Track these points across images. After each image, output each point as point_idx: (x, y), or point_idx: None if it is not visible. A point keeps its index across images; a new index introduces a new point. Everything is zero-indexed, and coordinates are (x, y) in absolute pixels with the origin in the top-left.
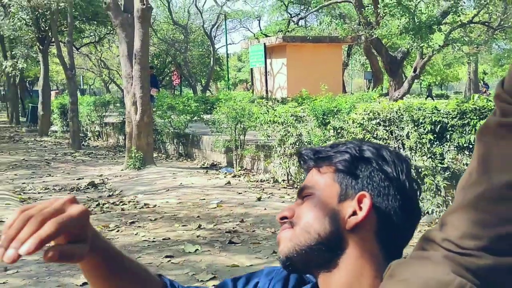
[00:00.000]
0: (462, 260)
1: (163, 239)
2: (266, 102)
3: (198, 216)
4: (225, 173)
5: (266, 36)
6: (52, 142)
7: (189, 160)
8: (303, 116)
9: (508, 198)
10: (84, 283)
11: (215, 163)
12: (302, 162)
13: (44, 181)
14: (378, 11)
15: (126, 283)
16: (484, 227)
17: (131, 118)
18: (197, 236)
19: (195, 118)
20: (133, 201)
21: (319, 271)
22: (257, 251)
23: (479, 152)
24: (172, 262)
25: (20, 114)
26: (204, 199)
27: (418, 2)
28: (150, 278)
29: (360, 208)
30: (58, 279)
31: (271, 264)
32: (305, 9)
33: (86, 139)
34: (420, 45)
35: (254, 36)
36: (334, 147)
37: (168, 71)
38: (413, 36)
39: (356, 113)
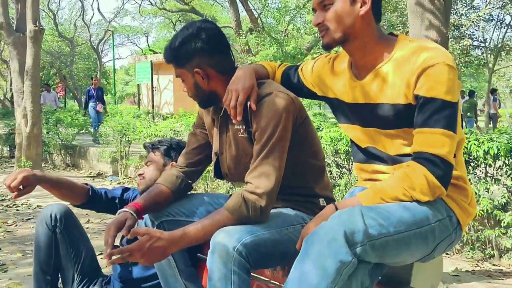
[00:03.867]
0: None
1: None
2: (149, 119)
3: (87, 214)
4: (111, 180)
5: (154, 52)
6: None
7: (76, 169)
8: (180, 130)
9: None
10: None
11: (101, 172)
12: None
13: None
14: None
15: (64, 190)
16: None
17: (21, 129)
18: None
19: (83, 131)
20: (26, 204)
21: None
22: None
23: None
24: None
25: None
26: None
27: (285, 36)
28: (77, 185)
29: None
30: None
31: None
32: None
33: None
34: None
35: (142, 51)
36: None
37: (52, 83)
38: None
39: None
